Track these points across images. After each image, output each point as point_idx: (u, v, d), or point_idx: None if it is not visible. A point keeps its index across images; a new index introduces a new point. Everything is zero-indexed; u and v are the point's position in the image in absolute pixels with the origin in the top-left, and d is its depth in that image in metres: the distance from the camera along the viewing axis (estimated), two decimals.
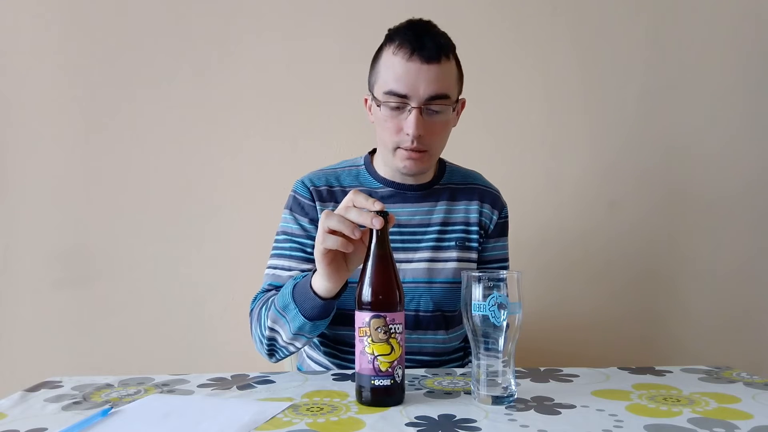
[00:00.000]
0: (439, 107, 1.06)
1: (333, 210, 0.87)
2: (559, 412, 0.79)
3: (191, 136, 1.75)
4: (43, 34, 1.73)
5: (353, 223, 0.84)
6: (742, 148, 1.80)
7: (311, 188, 1.17)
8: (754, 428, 0.73)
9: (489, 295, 0.81)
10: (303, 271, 1.12)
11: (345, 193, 1.16)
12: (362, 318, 0.80)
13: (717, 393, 0.88)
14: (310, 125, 1.74)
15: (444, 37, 1.08)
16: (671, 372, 1.01)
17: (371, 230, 0.83)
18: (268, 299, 1.06)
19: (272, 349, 1.06)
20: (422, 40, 1.04)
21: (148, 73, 1.74)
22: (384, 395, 0.80)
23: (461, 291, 0.84)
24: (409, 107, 1.05)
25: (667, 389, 0.90)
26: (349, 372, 1.03)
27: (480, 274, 0.82)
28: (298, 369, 1.28)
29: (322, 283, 0.92)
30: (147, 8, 1.73)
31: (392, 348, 0.80)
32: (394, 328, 0.80)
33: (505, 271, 0.82)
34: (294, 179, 1.21)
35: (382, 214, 0.83)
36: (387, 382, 0.80)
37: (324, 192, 1.17)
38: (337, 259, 0.90)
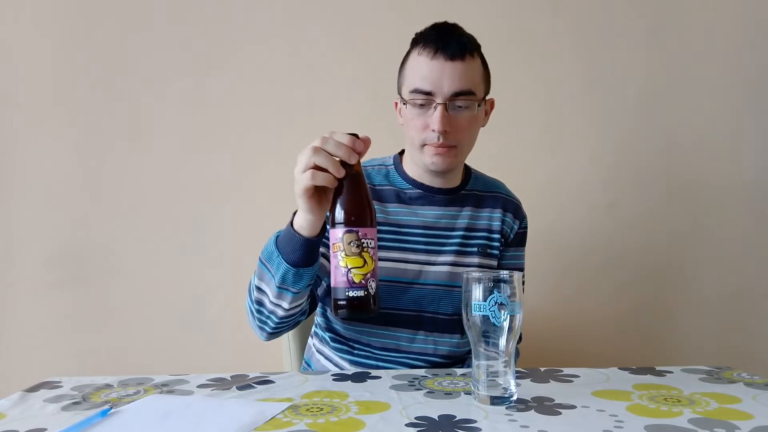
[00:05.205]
0: (464, 102, 1.08)
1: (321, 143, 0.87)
2: (560, 413, 0.79)
3: (191, 136, 1.75)
4: (43, 33, 1.73)
5: (336, 159, 0.86)
6: (742, 147, 1.80)
7: None
8: (755, 429, 0.73)
9: (489, 295, 0.81)
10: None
11: (374, 192, 1.18)
12: (336, 234, 0.84)
13: (717, 393, 0.88)
14: (311, 125, 1.74)
15: (469, 37, 1.11)
16: (672, 372, 1.01)
17: None
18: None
19: (262, 319, 1.04)
20: (446, 39, 1.07)
21: (148, 73, 1.74)
22: (358, 306, 0.83)
23: (461, 291, 0.84)
24: (434, 104, 1.07)
25: (668, 389, 0.90)
26: (350, 372, 1.03)
27: (480, 274, 0.82)
28: (306, 363, 1.27)
29: (305, 218, 0.93)
30: (147, 8, 1.73)
31: (365, 261, 0.83)
32: (366, 243, 0.83)
33: (505, 272, 0.82)
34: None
35: (354, 134, 0.87)
36: (361, 293, 0.83)
37: None
38: (319, 192, 0.91)
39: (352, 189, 0.86)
